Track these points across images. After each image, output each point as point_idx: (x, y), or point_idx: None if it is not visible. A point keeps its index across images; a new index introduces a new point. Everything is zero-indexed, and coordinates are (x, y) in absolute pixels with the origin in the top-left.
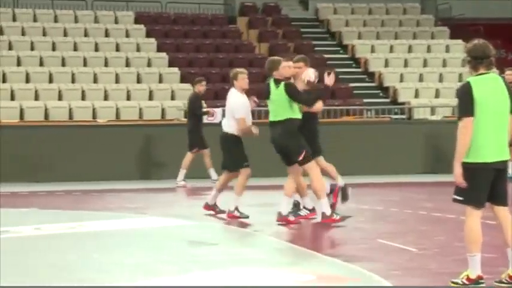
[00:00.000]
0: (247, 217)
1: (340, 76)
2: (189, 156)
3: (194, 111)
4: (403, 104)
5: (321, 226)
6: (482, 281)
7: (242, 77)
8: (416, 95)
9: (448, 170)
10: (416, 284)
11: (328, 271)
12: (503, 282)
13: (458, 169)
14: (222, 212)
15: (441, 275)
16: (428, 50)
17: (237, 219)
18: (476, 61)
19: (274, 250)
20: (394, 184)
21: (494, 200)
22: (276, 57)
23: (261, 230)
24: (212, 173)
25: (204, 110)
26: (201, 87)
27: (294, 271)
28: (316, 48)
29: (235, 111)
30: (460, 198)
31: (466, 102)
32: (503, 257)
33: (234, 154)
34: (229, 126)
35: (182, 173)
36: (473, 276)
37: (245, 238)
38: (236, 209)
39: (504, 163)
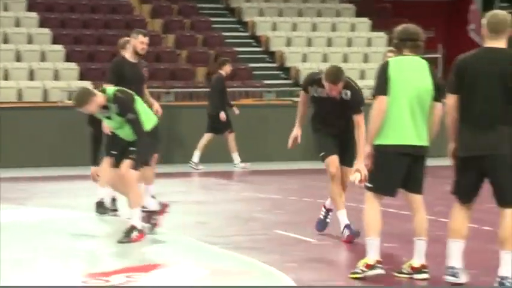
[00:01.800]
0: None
1: (239, 56)
2: (230, 138)
3: (220, 93)
4: None
5: (212, 215)
6: (380, 265)
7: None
8: None
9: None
10: (313, 276)
11: (222, 264)
12: (403, 273)
13: (367, 150)
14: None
15: (340, 267)
16: (333, 28)
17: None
18: (400, 42)
19: (162, 243)
20: (295, 171)
21: (408, 187)
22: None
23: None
24: (235, 156)
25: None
26: (229, 68)
27: (184, 265)
28: (214, 26)
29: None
30: (370, 185)
31: (380, 81)
32: (404, 247)
33: None
34: None
35: (235, 156)
36: (371, 261)
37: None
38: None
39: (419, 148)
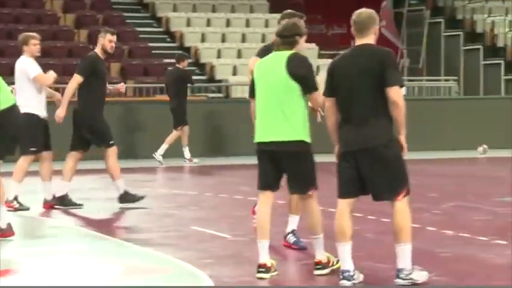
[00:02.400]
0: (27, 209)
1: (154, 51)
2: (175, 134)
3: (184, 87)
4: (220, 81)
5: (127, 212)
6: (262, 269)
7: (34, 42)
8: (235, 73)
9: None
10: (230, 272)
11: (137, 261)
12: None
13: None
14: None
15: (255, 263)
16: (247, 24)
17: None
18: (277, 39)
19: (76, 240)
20: (210, 167)
21: (288, 185)
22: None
23: (62, 218)
24: (186, 151)
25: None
26: (186, 63)
27: (98, 262)
28: (128, 21)
29: (29, 72)
30: None
31: (250, 84)
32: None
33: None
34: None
35: (164, 148)
36: (260, 261)
37: (42, 228)
38: (15, 198)
39: (283, 144)
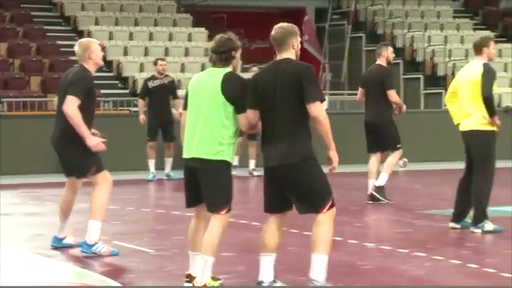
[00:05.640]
0: None
1: (75, 65)
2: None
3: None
4: None
5: (47, 227)
6: (187, 279)
7: None
8: None
9: None
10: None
11: (57, 277)
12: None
13: None
14: None
15: (179, 277)
16: (170, 38)
17: None
18: (213, 55)
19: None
20: (134, 181)
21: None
22: None
23: None
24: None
25: None
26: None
27: (18, 278)
28: (49, 34)
29: None
30: None
31: (185, 96)
32: (240, 256)
33: None
34: None
35: (252, 162)
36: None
37: None
38: None
39: (201, 162)
